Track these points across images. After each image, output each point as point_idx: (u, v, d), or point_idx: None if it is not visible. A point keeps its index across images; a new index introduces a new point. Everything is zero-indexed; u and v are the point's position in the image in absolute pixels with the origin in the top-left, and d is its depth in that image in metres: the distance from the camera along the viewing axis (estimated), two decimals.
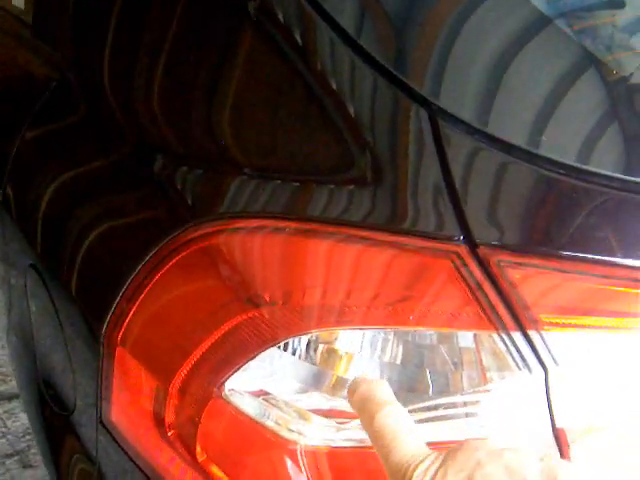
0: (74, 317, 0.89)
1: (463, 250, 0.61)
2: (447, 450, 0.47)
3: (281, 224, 0.69)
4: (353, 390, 0.54)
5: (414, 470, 0.45)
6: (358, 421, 0.55)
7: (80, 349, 0.89)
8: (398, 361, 0.65)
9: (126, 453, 0.82)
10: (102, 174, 0.89)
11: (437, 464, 0.45)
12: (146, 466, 0.79)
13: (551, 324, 0.61)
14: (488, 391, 0.63)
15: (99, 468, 0.91)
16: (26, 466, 1.44)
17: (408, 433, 0.49)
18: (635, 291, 0.64)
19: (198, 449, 0.71)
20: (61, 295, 0.91)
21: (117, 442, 0.84)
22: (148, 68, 0.91)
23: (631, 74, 0.78)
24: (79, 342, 0.89)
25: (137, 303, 0.76)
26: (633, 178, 0.67)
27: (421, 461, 0.46)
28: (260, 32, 0.78)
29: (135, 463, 0.81)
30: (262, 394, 0.68)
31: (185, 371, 0.70)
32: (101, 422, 0.86)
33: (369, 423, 0.51)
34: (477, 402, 0.64)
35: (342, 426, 0.65)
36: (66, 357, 0.92)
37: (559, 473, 0.44)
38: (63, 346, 0.92)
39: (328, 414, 0.67)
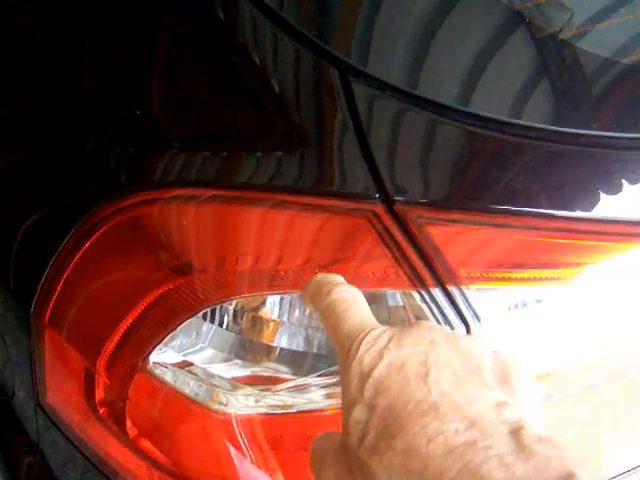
0: (5, 298, 0.87)
1: (379, 208, 0.60)
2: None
3: (210, 192, 0.67)
4: (307, 283, 0.51)
5: (365, 336, 0.43)
6: (286, 385, 0.53)
7: (14, 331, 0.87)
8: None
9: (64, 435, 0.81)
10: (22, 152, 0.87)
11: (390, 333, 0.43)
12: (84, 447, 0.78)
13: (473, 279, 0.60)
14: None
15: (42, 455, 0.89)
16: None
17: (362, 307, 0.47)
18: (559, 241, 0.63)
19: (129, 424, 0.69)
20: None
21: (55, 425, 0.82)
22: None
23: (560, 30, 0.76)
24: (12, 324, 0.87)
25: (62, 280, 0.74)
26: (561, 129, 0.66)
27: (373, 329, 0.44)
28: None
29: (74, 445, 0.80)
30: (187, 365, 0.66)
31: (111, 347, 0.68)
32: (39, 404, 0.84)
33: (321, 301, 0.48)
34: None
35: (267, 393, 0.64)
36: (1, 340, 0.90)
37: (511, 365, 0.42)
38: None
39: (254, 382, 0.65)
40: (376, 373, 0.41)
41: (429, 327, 0.44)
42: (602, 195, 0.63)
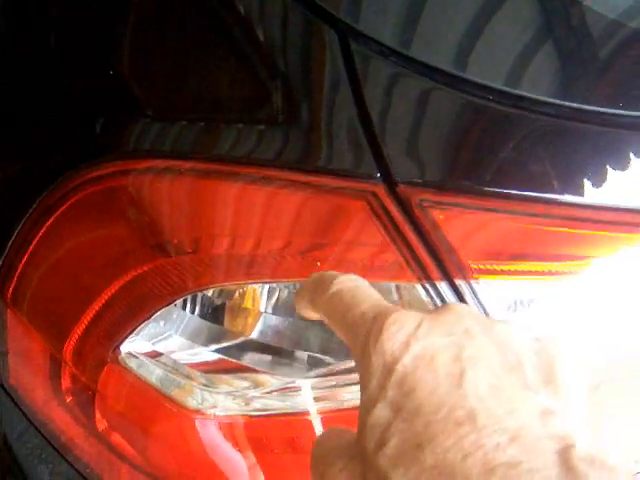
0: None
1: (380, 189, 0.54)
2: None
3: (186, 164, 0.60)
4: (301, 286, 0.45)
5: (387, 319, 0.36)
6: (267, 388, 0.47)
7: None
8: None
9: (29, 420, 0.75)
10: None
11: (418, 318, 0.36)
12: (51, 435, 0.72)
13: (480, 271, 0.54)
14: None
15: (4, 438, 0.83)
16: None
17: (372, 292, 0.40)
18: (575, 231, 0.57)
19: (98, 417, 0.64)
20: None
21: (19, 407, 0.76)
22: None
23: None
24: None
25: (26, 256, 0.67)
26: (569, 103, 0.59)
27: (396, 311, 0.37)
28: None
29: (40, 432, 0.74)
30: (157, 355, 0.60)
31: (78, 333, 0.62)
32: (1, 385, 0.78)
33: (323, 294, 0.41)
34: None
35: (251, 393, 0.59)
36: None
37: (556, 357, 0.36)
38: None
39: (229, 372, 0.60)
40: (401, 367, 0.35)
41: (461, 312, 0.38)
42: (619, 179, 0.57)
